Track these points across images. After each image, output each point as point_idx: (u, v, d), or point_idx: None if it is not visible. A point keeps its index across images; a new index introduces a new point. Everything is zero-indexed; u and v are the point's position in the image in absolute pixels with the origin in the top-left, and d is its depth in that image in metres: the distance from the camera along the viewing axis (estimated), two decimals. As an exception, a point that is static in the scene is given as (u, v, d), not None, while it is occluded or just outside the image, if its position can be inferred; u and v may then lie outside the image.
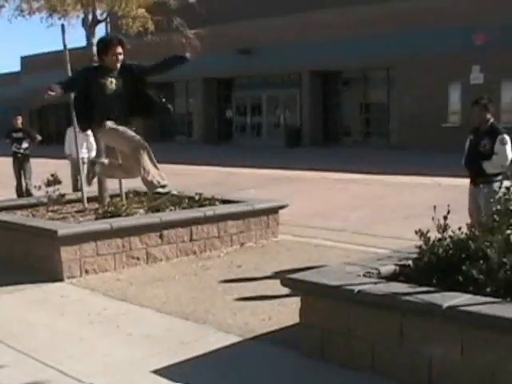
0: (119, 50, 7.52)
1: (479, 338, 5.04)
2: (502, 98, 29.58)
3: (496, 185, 8.50)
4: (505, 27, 28.46)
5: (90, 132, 10.22)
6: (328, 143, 37.31)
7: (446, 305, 5.12)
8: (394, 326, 5.46)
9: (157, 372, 5.75)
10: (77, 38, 16.16)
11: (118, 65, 7.51)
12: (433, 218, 6.02)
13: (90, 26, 12.37)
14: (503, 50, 28.46)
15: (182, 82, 43.82)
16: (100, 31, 13.37)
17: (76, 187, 14.85)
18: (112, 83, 7.50)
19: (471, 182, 9.16)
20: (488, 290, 5.31)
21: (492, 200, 6.75)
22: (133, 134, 7.50)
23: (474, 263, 5.53)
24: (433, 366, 5.25)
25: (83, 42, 12.48)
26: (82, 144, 14.38)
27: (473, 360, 5.07)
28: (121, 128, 7.43)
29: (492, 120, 9.08)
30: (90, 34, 12.30)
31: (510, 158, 8.70)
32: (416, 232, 6.11)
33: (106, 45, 7.60)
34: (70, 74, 10.53)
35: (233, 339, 6.51)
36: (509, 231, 5.88)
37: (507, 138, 8.89)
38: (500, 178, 8.60)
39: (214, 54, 38.17)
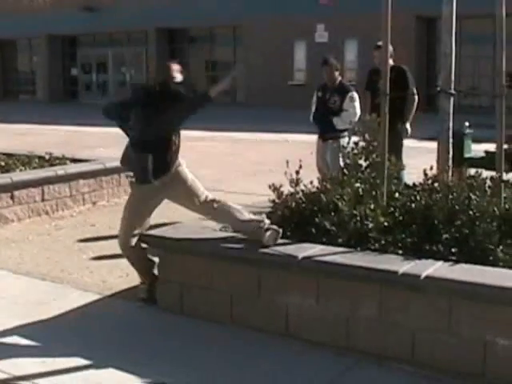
0: None
1: (333, 286, 5.28)
2: (346, 57, 30.36)
3: (344, 140, 8.84)
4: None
5: None
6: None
7: (301, 256, 5.33)
8: (252, 278, 5.63)
9: (15, 333, 5.69)
10: None
11: None
12: (285, 173, 6.21)
13: None
14: (347, 12, 29.16)
15: (24, 39, 42.57)
16: None
17: None
18: None
19: (319, 137, 9.45)
20: (340, 240, 5.56)
21: (340, 154, 7.03)
22: None
23: (325, 215, 5.77)
24: (290, 314, 5.47)
25: None
26: None
27: (328, 308, 5.31)
28: None
29: (340, 78, 9.41)
30: None
31: (358, 114, 9.05)
32: (269, 186, 6.29)
33: None
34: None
35: (91, 297, 6.51)
36: (358, 184, 6.15)
37: (356, 95, 9.24)
38: (347, 133, 8.96)
39: (57, 10, 37.30)
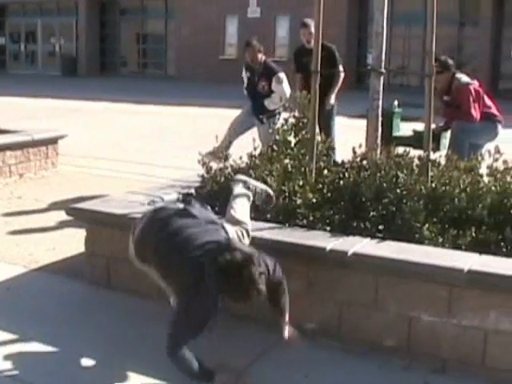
0: None
1: (260, 261, 5.30)
2: (277, 33, 30.40)
3: (276, 117, 8.91)
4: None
5: None
6: (105, 73, 36.82)
7: (228, 230, 5.33)
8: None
9: None
10: None
11: None
12: (215, 148, 6.21)
13: None
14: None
15: (-52, 7, 41.56)
16: None
17: None
18: None
19: (252, 111, 9.47)
20: (268, 216, 5.58)
21: (271, 131, 7.05)
22: None
23: (254, 191, 5.77)
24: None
25: None
26: None
27: (255, 282, 5.33)
28: None
29: (264, 58, 9.43)
30: None
31: (288, 93, 9.09)
32: (198, 161, 6.27)
33: None
34: None
35: (17, 270, 6.42)
36: (287, 160, 6.17)
37: (282, 75, 9.28)
38: (279, 110, 9.02)
39: (-16, -23, 36.46)
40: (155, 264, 4.68)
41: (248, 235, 4.95)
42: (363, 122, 6.85)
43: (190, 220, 4.68)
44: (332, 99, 9.53)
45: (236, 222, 4.97)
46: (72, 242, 6.98)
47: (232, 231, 4.81)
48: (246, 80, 9.59)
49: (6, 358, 4.80)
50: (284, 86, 9.21)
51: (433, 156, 6.19)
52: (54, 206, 8.58)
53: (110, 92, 25.78)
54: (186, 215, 4.73)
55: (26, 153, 10.57)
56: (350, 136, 7.62)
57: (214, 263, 4.19)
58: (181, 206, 4.90)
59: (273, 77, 9.23)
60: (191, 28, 32.69)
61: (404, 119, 9.10)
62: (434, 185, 5.65)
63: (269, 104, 9.17)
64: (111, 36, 38.25)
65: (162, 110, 20.37)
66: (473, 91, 8.31)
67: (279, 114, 8.67)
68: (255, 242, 5.20)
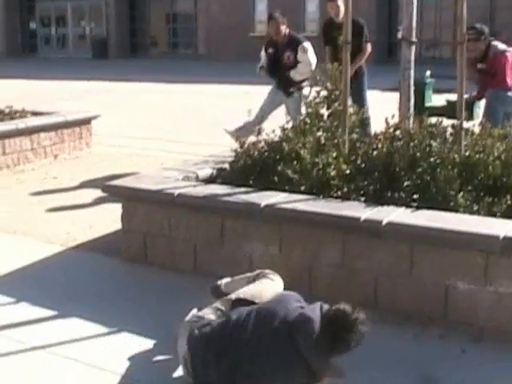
0: None
1: (296, 233, 5.33)
2: (307, 8, 30.22)
3: (305, 90, 8.85)
4: None
5: None
6: (135, 54, 36.88)
7: (263, 204, 5.36)
8: (215, 226, 5.66)
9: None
10: None
11: None
12: (245, 123, 6.22)
13: None
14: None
15: (-21, -8, 41.78)
16: None
17: None
18: None
19: (278, 88, 9.43)
20: (302, 188, 5.59)
21: (302, 104, 7.04)
22: None
23: (288, 164, 5.79)
24: (253, 262, 5.49)
25: None
26: None
27: (291, 255, 5.36)
28: None
29: (288, 31, 9.36)
30: None
31: (314, 63, 9.04)
32: (231, 136, 6.29)
33: None
34: None
35: (55, 249, 6.50)
36: (320, 133, 6.17)
37: (307, 45, 9.22)
38: (306, 83, 8.96)
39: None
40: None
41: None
42: (396, 95, 6.82)
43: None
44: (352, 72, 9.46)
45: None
46: (108, 220, 7.04)
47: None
48: (265, 59, 9.48)
49: (47, 334, 4.87)
50: (309, 55, 9.13)
51: (466, 125, 6.16)
52: (90, 185, 8.67)
53: (141, 72, 25.84)
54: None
55: (59, 134, 10.67)
56: (382, 109, 7.60)
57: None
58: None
59: (298, 47, 9.16)
60: (221, 6, 32.60)
61: (436, 91, 9.06)
62: (467, 153, 5.63)
63: (294, 75, 9.10)
64: (141, 17, 38.24)
65: (193, 89, 20.38)
66: (510, 59, 8.24)
67: (310, 86, 8.62)
68: (289, 214, 5.24)
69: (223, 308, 4.28)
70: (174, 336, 4.35)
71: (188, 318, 4.32)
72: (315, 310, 3.96)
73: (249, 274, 4.85)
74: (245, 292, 4.45)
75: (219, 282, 4.94)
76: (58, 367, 4.44)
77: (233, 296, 4.40)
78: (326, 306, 4.00)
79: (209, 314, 4.23)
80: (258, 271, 4.80)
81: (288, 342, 3.86)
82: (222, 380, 3.96)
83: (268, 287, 4.55)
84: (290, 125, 6.46)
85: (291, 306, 4.05)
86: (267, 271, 4.75)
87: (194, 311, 4.43)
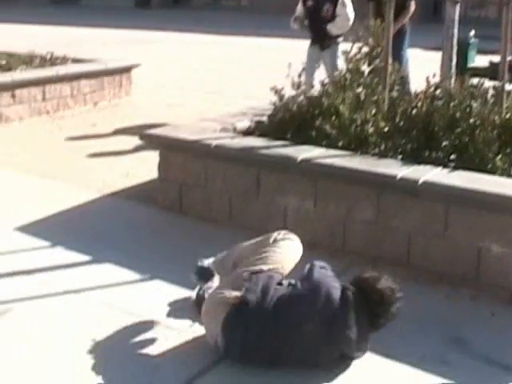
0: None
1: (331, 189, 5.33)
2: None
3: (341, 45, 8.77)
4: None
5: None
6: (178, 5, 36.68)
7: (300, 158, 5.36)
8: (251, 178, 5.68)
9: (19, 229, 5.77)
10: None
11: None
12: (287, 76, 6.19)
13: None
14: None
15: None
16: None
17: None
18: None
19: (315, 44, 9.33)
20: (340, 144, 5.58)
21: (340, 59, 6.98)
22: None
23: (326, 119, 5.78)
24: (287, 216, 5.53)
25: None
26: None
27: (325, 210, 5.37)
28: None
29: None
30: None
31: (352, 18, 8.93)
32: (271, 89, 6.27)
33: None
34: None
35: (91, 195, 6.57)
36: (359, 89, 6.14)
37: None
38: (342, 39, 8.88)
39: None
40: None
41: None
42: (438, 55, 6.75)
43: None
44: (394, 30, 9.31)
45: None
46: (145, 168, 7.09)
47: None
48: (301, 11, 9.33)
49: (82, 279, 4.94)
50: (348, 10, 8.99)
51: (508, 87, 6.08)
52: (128, 133, 8.70)
53: (183, 23, 25.73)
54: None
55: (100, 81, 10.72)
56: (424, 68, 7.51)
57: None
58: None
59: (338, 0, 9.05)
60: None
61: (480, 51, 8.95)
62: (508, 115, 5.57)
63: (331, 28, 8.98)
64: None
65: (234, 41, 20.29)
66: None
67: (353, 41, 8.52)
68: (326, 170, 5.24)
69: (248, 284, 3.93)
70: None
71: (211, 291, 4.20)
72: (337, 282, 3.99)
73: (258, 239, 4.34)
74: (265, 263, 4.08)
75: (206, 264, 4.57)
76: (93, 312, 4.50)
77: (260, 267, 4.05)
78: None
79: (233, 289, 3.96)
80: (270, 234, 4.28)
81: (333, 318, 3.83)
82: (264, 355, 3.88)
83: (289, 252, 4.21)
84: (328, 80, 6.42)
85: (328, 284, 3.95)
86: (283, 232, 4.29)
87: (215, 284, 4.38)
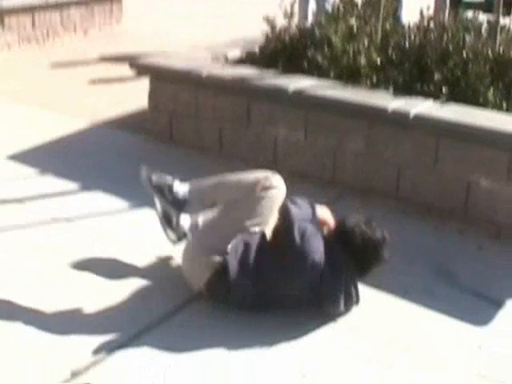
0: None
1: (322, 120, 5.32)
2: None
3: None
4: None
5: None
6: None
7: (291, 88, 5.34)
8: (242, 108, 5.65)
9: (8, 157, 5.76)
10: None
11: None
12: (280, 6, 6.12)
13: None
14: None
15: None
16: None
17: None
18: None
19: None
20: (331, 75, 5.55)
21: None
22: None
23: (319, 50, 5.73)
24: (278, 146, 5.53)
25: None
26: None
27: (316, 141, 5.36)
28: None
29: None
30: None
31: None
32: (263, 18, 6.21)
33: None
34: None
35: (81, 124, 6.53)
36: (352, 20, 6.07)
37: None
38: None
39: None
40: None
41: None
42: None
43: None
44: None
45: None
46: (135, 98, 7.00)
47: None
48: None
49: (72, 207, 4.95)
50: None
51: (503, 21, 6.03)
52: (118, 62, 8.59)
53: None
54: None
55: (90, 9, 10.57)
56: (418, 0, 7.41)
57: None
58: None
59: None
60: None
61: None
62: (501, 49, 5.53)
63: None
64: None
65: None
66: None
67: None
68: (318, 101, 5.22)
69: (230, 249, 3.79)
70: None
71: (195, 237, 4.05)
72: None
73: (243, 181, 4.02)
74: (248, 217, 3.87)
75: (181, 193, 4.17)
76: (82, 239, 4.53)
77: (244, 224, 3.87)
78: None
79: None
80: (256, 180, 3.93)
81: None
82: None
83: (275, 205, 3.90)
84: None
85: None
86: (269, 179, 3.94)
87: (199, 222, 4.19)
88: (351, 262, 3.81)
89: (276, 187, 3.90)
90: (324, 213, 4.08)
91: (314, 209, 3.99)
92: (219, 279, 3.77)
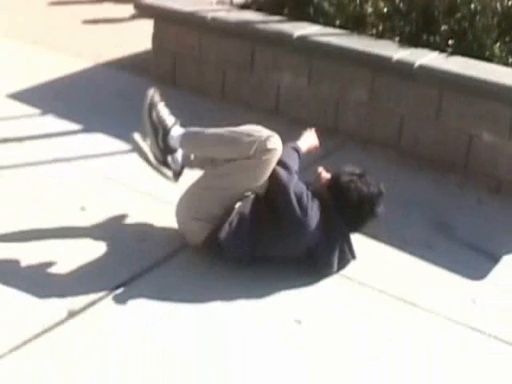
0: None
1: (326, 67, 5.29)
2: None
3: None
4: None
5: None
6: None
7: (296, 34, 5.29)
8: (246, 53, 5.62)
9: (9, 96, 5.72)
10: None
11: None
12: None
13: None
14: None
15: None
16: None
17: None
18: None
19: None
20: (337, 22, 5.50)
21: None
22: None
23: (325, -3, 5.68)
24: (281, 92, 5.50)
25: None
26: None
27: (319, 88, 5.34)
28: None
29: None
30: None
31: None
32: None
33: None
34: None
35: (83, 64, 6.49)
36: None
37: None
38: None
39: None
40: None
41: None
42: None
43: None
44: None
45: None
46: (139, 39, 6.94)
47: None
48: None
49: (74, 147, 4.95)
50: None
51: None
52: (123, 1, 8.48)
53: None
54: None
55: None
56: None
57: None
58: None
59: None
60: None
61: None
62: (510, 3, 5.47)
63: None
64: None
65: None
66: None
67: None
68: (322, 48, 5.18)
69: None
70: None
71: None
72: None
73: (238, 139, 3.74)
74: (253, 184, 3.75)
75: (171, 133, 4.08)
76: (83, 180, 4.52)
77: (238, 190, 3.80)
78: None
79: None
80: (253, 139, 3.68)
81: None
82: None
83: (270, 167, 3.70)
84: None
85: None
86: (267, 139, 3.67)
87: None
88: (346, 218, 3.76)
89: (273, 150, 3.65)
90: (310, 138, 4.12)
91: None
92: (214, 243, 3.74)
